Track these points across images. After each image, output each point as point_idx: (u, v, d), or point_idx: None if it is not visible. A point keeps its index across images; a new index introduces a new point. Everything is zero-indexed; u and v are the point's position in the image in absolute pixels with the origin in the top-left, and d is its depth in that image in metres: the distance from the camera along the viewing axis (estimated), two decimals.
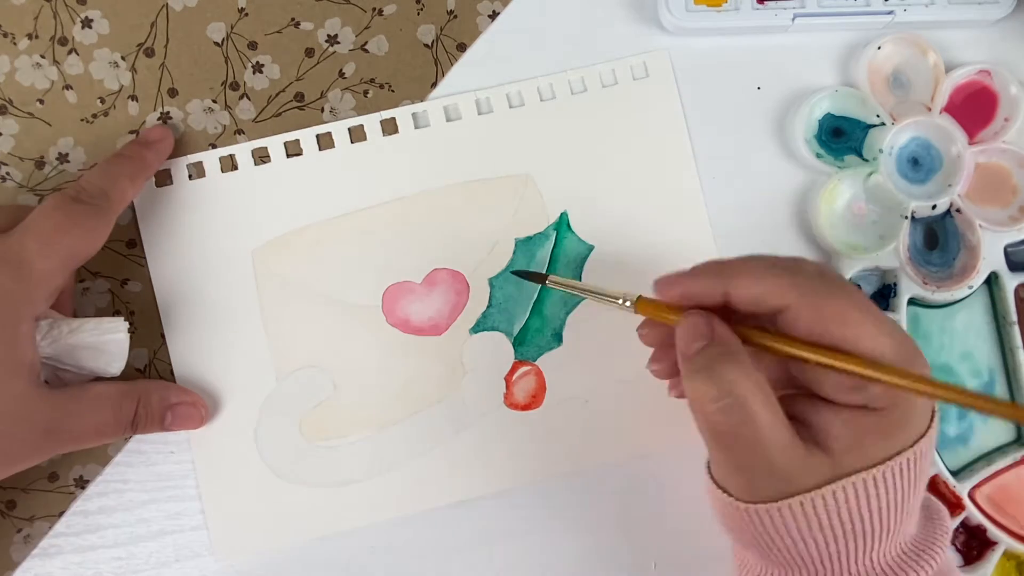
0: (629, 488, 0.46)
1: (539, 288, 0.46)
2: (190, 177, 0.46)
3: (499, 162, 0.47)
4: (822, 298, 0.32)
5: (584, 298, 0.45)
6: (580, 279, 0.46)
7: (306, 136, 0.46)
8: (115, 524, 0.44)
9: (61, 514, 0.44)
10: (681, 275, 0.34)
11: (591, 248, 0.47)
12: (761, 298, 0.32)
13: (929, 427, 0.33)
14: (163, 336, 0.45)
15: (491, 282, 0.46)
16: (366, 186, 0.46)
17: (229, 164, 0.46)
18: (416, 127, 0.47)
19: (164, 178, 0.46)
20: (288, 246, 0.46)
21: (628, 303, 0.37)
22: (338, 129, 0.46)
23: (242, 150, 0.46)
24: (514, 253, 0.46)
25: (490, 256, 0.46)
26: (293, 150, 0.46)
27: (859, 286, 0.34)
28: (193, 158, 0.46)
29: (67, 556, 0.44)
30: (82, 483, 0.44)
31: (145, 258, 0.45)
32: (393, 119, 0.47)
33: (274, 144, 0.46)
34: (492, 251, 0.46)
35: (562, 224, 0.47)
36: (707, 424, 0.33)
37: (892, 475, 0.32)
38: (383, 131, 0.46)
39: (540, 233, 0.47)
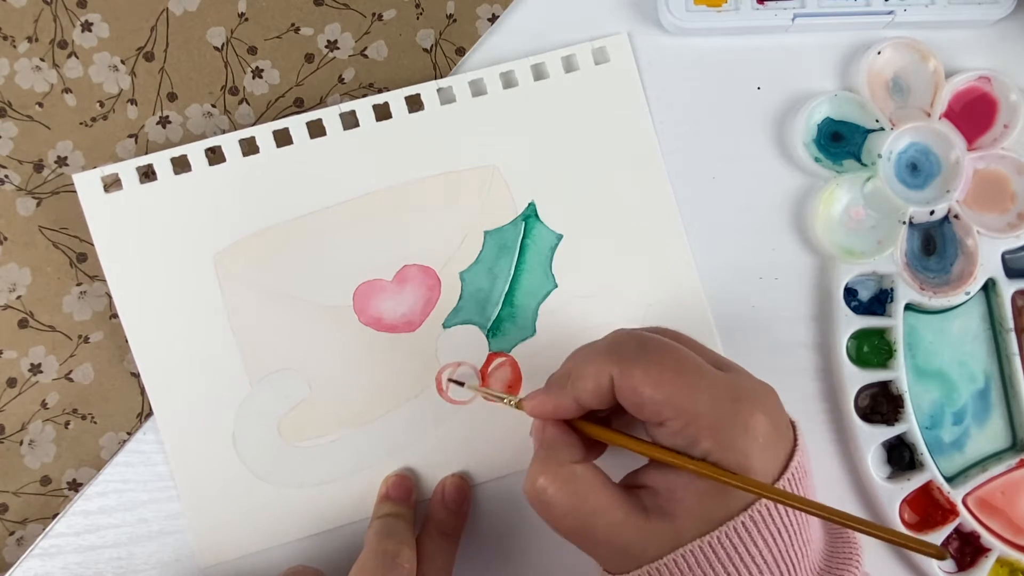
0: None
1: (510, 279, 0.46)
2: (141, 181, 0.45)
3: (464, 153, 0.46)
4: (632, 366, 0.33)
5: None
6: (551, 269, 0.46)
7: (262, 132, 0.45)
8: (115, 524, 0.44)
9: (54, 516, 0.44)
10: (541, 396, 0.36)
11: (560, 237, 0.47)
12: (596, 389, 0.34)
13: (780, 477, 0.33)
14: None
15: (462, 276, 0.46)
16: (329, 183, 0.45)
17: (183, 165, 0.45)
18: (378, 119, 0.46)
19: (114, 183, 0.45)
20: (252, 248, 0.45)
21: (512, 403, 0.40)
22: (296, 124, 0.45)
23: (194, 149, 0.44)
24: (483, 245, 0.46)
25: (460, 250, 0.46)
26: (249, 148, 0.45)
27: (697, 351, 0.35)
28: (142, 160, 0.44)
29: (67, 556, 0.44)
30: (75, 486, 0.45)
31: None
32: (353, 112, 0.45)
33: (228, 142, 0.45)
34: (462, 245, 0.46)
35: (530, 214, 0.47)
36: (546, 520, 0.35)
37: (736, 534, 0.32)
38: (343, 125, 0.45)
39: (508, 224, 0.46)
